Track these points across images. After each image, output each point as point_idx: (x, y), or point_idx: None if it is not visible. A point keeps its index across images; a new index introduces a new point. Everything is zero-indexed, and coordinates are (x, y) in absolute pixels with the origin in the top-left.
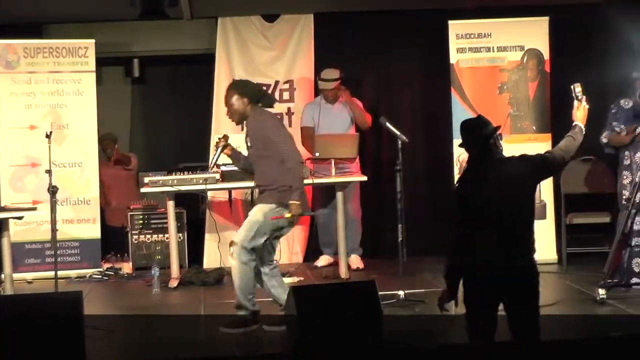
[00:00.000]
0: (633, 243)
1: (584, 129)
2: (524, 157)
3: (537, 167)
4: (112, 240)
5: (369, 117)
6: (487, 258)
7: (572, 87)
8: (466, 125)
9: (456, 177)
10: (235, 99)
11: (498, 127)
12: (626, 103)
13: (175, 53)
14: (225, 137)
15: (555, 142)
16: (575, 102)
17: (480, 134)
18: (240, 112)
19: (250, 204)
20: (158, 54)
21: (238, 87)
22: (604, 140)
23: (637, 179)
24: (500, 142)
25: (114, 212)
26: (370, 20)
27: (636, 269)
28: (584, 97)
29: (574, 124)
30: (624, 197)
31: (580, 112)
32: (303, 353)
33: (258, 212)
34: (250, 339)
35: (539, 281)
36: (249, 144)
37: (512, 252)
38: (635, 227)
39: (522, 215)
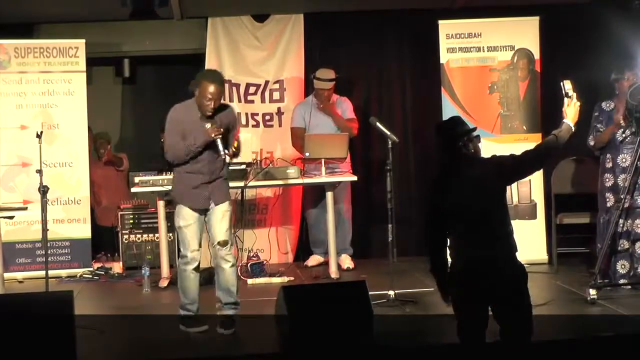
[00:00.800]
0: (619, 244)
1: (573, 127)
2: (493, 158)
3: (505, 168)
4: (103, 239)
5: (355, 126)
6: (466, 255)
7: (561, 83)
8: (437, 128)
9: None
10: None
11: (472, 129)
12: (607, 105)
13: (166, 53)
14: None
15: None
16: (566, 100)
17: (449, 135)
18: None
19: (240, 203)
20: (148, 54)
21: (223, 82)
22: (591, 143)
23: (624, 183)
24: (477, 144)
25: (104, 212)
26: (361, 20)
27: (622, 271)
28: (575, 93)
29: (562, 121)
30: (607, 199)
31: (571, 109)
32: (293, 353)
33: (229, 208)
34: (241, 338)
35: (525, 277)
36: None
37: (489, 249)
38: (622, 230)
39: (494, 214)
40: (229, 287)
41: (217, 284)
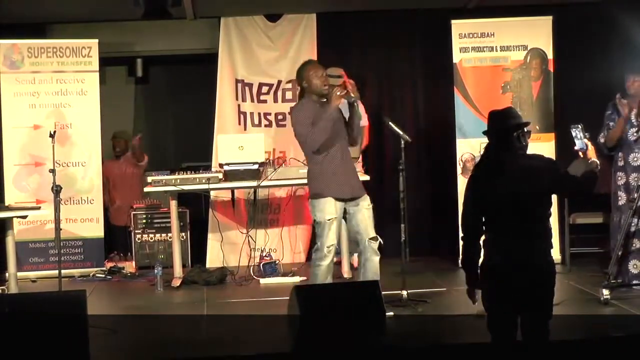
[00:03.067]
0: (631, 244)
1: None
2: (551, 160)
3: (556, 177)
4: (116, 239)
5: (366, 133)
6: (505, 248)
7: (578, 127)
8: (492, 115)
9: (459, 176)
10: None
11: (526, 123)
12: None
13: (178, 53)
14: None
15: (558, 142)
16: (587, 143)
17: (503, 125)
18: None
19: (253, 203)
20: (161, 54)
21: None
22: (602, 140)
23: (636, 182)
24: (527, 138)
25: (118, 211)
26: (373, 20)
27: (634, 271)
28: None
29: (591, 160)
30: (619, 198)
31: (592, 151)
32: (306, 352)
33: (370, 203)
34: (252, 338)
35: (555, 276)
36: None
37: (528, 243)
38: (633, 229)
39: (538, 210)
40: (375, 276)
41: (363, 275)
